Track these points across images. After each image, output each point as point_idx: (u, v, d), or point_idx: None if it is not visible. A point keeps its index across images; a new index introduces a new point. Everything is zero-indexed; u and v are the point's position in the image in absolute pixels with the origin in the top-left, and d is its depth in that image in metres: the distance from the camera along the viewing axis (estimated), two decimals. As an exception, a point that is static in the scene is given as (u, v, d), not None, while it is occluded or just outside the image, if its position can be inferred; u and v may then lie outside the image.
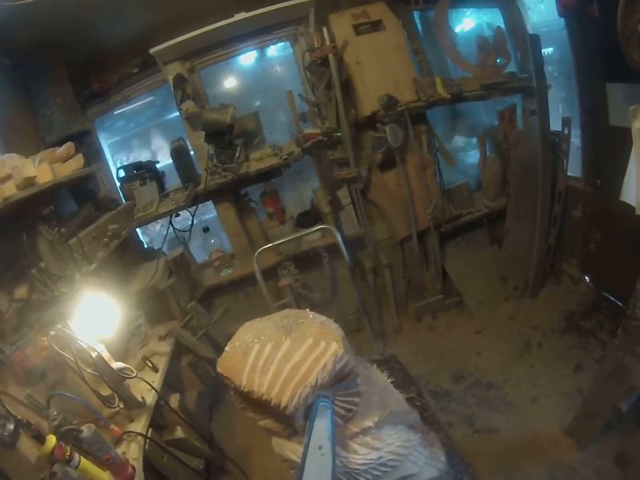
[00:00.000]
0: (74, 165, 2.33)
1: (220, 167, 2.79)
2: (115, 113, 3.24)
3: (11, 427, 1.59)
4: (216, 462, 2.58)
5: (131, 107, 3.22)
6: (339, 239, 2.77)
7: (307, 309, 1.29)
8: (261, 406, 1.23)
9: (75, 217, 2.47)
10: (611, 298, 2.76)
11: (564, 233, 3.08)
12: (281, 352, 1.15)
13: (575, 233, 2.98)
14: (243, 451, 2.73)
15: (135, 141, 3.48)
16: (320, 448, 1.06)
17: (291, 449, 1.31)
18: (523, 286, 3.20)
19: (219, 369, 1.22)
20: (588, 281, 2.98)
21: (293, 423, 1.17)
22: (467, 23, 3.44)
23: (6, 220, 1.89)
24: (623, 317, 2.19)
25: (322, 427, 1.09)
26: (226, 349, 1.25)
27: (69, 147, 2.34)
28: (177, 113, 3.03)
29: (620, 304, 2.63)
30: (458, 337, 3.16)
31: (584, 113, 2.67)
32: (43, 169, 2.08)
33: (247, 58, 3.21)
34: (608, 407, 2.02)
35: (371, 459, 1.29)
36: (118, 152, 3.40)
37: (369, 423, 1.27)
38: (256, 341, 1.21)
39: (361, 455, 1.28)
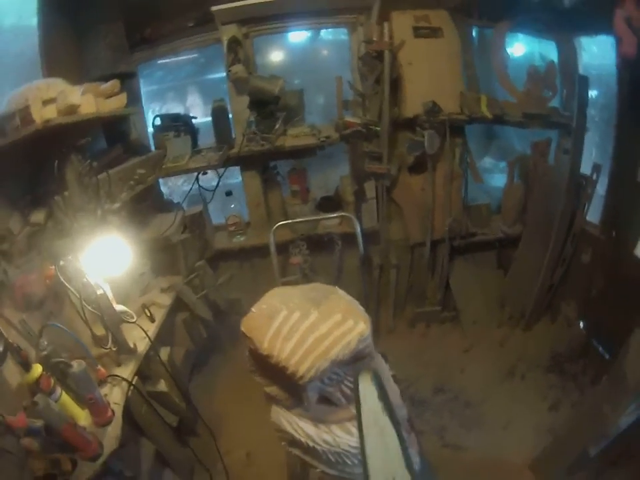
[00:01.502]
0: (116, 103, 2.34)
1: (258, 135, 2.81)
2: (158, 62, 3.23)
3: (0, 348, 1.58)
4: (188, 422, 2.59)
5: (175, 59, 3.22)
6: (358, 229, 2.78)
7: (336, 286, 1.32)
8: (272, 372, 1.26)
9: (105, 154, 2.46)
10: (600, 348, 2.78)
11: (569, 274, 3.09)
12: (308, 322, 1.18)
13: (579, 276, 2.99)
14: (216, 417, 2.75)
15: (171, 93, 3.47)
16: (376, 424, 0.89)
17: (288, 420, 1.35)
18: (518, 316, 3.23)
19: (242, 328, 1.24)
20: (582, 325, 3.00)
21: (302, 393, 1.20)
22: (517, 47, 3.44)
23: (40, 143, 1.86)
24: (607, 368, 2.23)
25: (370, 397, 0.95)
26: (252, 309, 1.28)
27: (114, 84, 2.34)
28: (218, 74, 3.05)
29: (607, 356, 2.65)
30: (447, 351, 3.19)
31: (614, 164, 2.66)
32: (87, 99, 2.08)
33: (300, 35, 3.22)
34: (577, 449, 2.05)
35: (361, 444, 1.32)
36: (153, 101, 3.39)
37: (368, 408, 1.30)
38: (284, 307, 1.24)
39: (354, 437, 1.31)
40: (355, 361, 1.21)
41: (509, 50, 3.27)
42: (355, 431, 1.31)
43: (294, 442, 1.38)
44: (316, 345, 1.14)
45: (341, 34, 3.20)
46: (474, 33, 3.18)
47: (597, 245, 2.81)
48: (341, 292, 1.30)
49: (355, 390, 0.99)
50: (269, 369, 1.22)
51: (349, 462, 1.34)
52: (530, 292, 3.13)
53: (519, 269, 3.21)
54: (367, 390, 0.97)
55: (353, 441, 1.31)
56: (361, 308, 1.25)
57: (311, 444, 1.32)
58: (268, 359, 1.17)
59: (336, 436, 1.31)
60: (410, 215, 3.22)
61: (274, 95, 2.71)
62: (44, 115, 1.77)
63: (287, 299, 1.28)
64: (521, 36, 3.35)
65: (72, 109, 1.90)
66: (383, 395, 0.93)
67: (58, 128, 1.80)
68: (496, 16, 2.92)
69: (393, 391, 1.51)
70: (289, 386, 1.25)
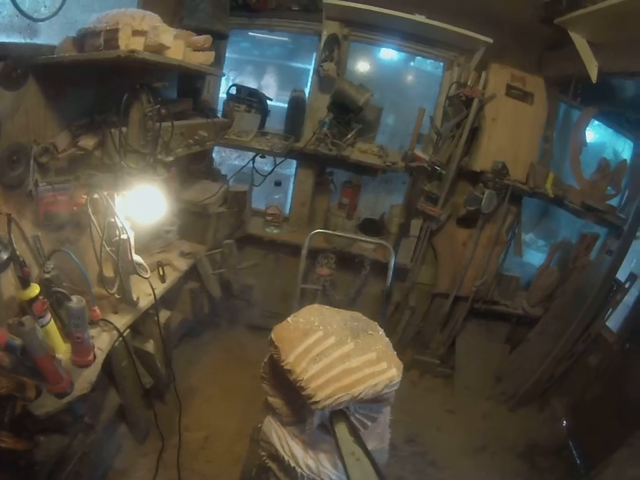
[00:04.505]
0: (203, 58, 2.30)
1: (329, 138, 2.80)
2: (250, 33, 3.21)
3: (4, 257, 1.55)
4: (161, 387, 2.54)
5: (267, 36, 3.20)
6: (392, 262, 2.77)
7: (377, 323, 1.28)
8: (284, 386, 1.22)
9: (174, 104, 2.42)
10: (575, 452, 2.71)
11: (571, 371, 3.05)
12: (341, 351, 1.14)
13: (580, 377, 2.95)
14: (188, 390, 2.73)
15: (250, 67, 3.42)
16: (353, 454, 1.05)
17: (279, 435, 1.31)
18: (509, 394, 3.18)
19: (272, 335, 1.20)
20: (565, 424, 2.95)
21: (308, 416, 1.16)
22: (589, 133, 3.37)
23: (115, 71, 1.83)
24: (575, 475, 2.31)
25: (343, 434, 1.10)
26: (288, 319, 1.23)
27: (207, 39, 2.31)
28: (302, 65, 3.03)
29: (579, 462, 2.59)
30: (431, 405, 3.14)
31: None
32: (177, 45, 2.02)
33: (392, 53, 3.19)
34: None
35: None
36: (230, 69, 3.34)
37: (362, 448, 1.27)
38: (321, 327, 1.20)
39: (338, 472, 1.28)
40: (372, 402, 1.17)
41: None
42: (340, 465, 1.28)
43: (276, 457, 1.34)
44: (342, 376, 1.10)
45: (434, 66, 3.17)
46: (562, 110, 3.13)
47: (608, 352, 2.79)
48: (381, 331, 1.26)
49: (332, 427, 1.13)
50: (284, 382, 1.18)
51: (321, 492, 1.30)
52: (529, 376, 3.09)
53: (526, 350, 3.17)
54: (341, 429, 1.12)
55: (335, 474, 1.28)
56: (395, 353, 1.21)
57: (292, 464, 1.28)
58: (288, 373, 1.13)
59: (321, 465, 1.28)
60: (444, 264, 3.20)
61: (357, 105, 2.69)
62: (130, 44, 1.68)
63: (326, 321, 1.24)
64: (596, 123, 3.29)
65: (160, 49, 1.82)
66: (354, 432, 1.10)
67: (139, 62, 1.70)
68: (588, 100, 2.88)
69: (385, 437, 1.47)
70: (295, 404, 1.21)
